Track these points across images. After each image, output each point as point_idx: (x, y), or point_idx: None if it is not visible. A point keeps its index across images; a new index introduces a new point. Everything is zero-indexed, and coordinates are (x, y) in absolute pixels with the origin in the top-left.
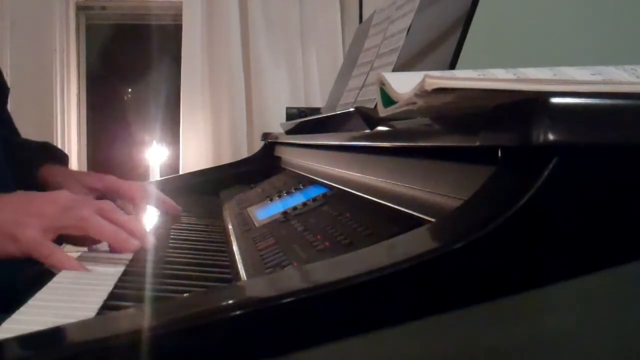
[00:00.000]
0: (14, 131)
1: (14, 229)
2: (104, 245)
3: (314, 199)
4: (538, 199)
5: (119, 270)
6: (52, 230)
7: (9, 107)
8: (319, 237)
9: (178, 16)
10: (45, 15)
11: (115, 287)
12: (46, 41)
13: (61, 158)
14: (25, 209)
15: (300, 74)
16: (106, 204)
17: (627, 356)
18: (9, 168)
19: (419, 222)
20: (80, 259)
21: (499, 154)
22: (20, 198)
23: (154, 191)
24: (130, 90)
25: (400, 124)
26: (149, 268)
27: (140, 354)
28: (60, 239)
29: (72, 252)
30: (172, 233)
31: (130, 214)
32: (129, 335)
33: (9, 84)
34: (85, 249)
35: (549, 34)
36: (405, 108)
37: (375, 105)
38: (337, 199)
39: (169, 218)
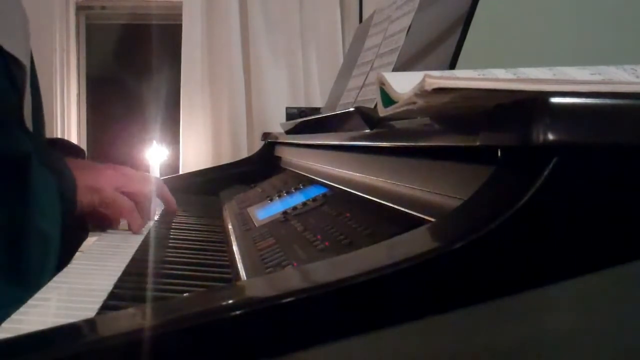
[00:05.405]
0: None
1: (97, 184)
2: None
3: (314, 199)
4: (538, 199)
5: (119, 268)
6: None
7: None
8: (319, 237)
9: (178, 16)
10: (45, 15)
11: (115, 287)
12: (46, 41)
13: (77, 152)
14: (100, 172)
15: (300, 74)
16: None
17: (627, 356)
18: None
19: (419, 222)
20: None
21: (499, 154)
22: (92, 164)
23: (160, 184)
24: (130, 90)
25: (400, 124)
26: (149, 268)
27: (140, 353)
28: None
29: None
30: (172, 233)
31: None
32: (129, 335)
33: None
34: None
35: (549, 34)
36: (405, 108)
37: (375, 105)
38: (337, 199)
39: (166, 214)
